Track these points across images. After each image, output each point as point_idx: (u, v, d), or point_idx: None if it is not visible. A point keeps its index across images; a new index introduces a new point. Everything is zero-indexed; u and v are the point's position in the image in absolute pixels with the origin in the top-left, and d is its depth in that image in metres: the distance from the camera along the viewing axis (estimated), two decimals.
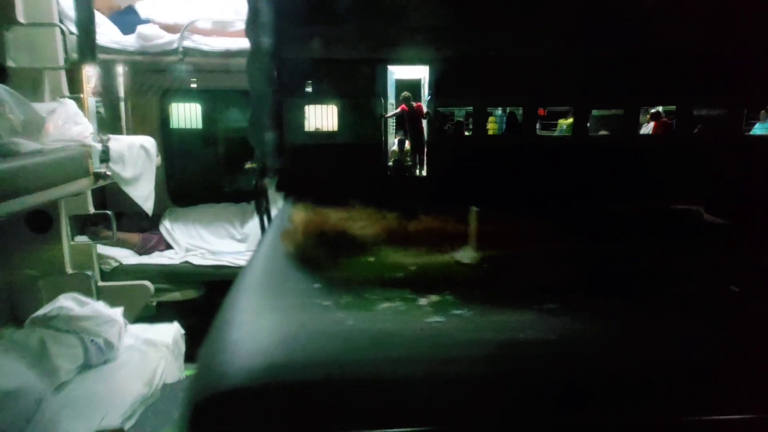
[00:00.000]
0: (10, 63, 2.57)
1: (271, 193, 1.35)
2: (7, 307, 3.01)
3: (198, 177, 4.56)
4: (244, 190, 4.35)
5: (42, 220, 3.00)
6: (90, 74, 3.43)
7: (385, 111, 0.87)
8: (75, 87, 2.78)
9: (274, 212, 1.36)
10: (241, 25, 3.53)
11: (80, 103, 2.52)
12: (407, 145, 1.02)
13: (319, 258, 0.74)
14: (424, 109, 0.87)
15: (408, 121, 1.03)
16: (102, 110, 3.55)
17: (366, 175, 0.82)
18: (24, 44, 2.67)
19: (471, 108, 0.83)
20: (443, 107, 0.75)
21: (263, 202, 1.35)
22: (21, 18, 2.61)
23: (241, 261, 3.82)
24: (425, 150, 0.93)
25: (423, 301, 0.63)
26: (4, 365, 1.88)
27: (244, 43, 3.35)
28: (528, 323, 0.59)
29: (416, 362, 0.53)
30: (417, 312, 0.61)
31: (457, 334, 0.57)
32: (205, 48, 3.64)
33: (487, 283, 0.66)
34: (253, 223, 4.12)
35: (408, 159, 0.99)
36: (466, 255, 0.73)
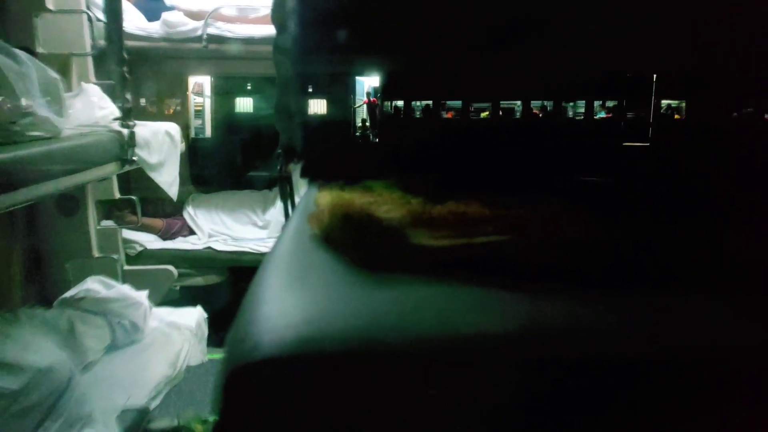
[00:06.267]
0: (39, 49, 2.62)
1: (295, 178, 1.37)
2: (37, 288, 3.09)
3: (222, 163, 4.61)
4: (267, 176, 4.40)
5: (69, 205, 3.07)
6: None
7: (355, 103, 1.39)
8: (103, 73, 2.82)
9: (297, 198, 1.38)
10: (265, 11, 3.56)
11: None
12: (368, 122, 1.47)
13: (345, 240, 0.75)
14: (377, 102, 1.39)
15: (368, 109, 1.43)
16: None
17: (342, 140, 1.36)
18: (53, 31, 2.72)
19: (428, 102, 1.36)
20: (388, 101, 1.20)
21: (287, 187, 1.37)
22: (50, 5, 2.67)
23: (262, 248, 3.86)
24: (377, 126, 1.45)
25: (449, 281, 0.63)
26: (36, 344, 1.94)
27: (268, 30, 3.38)
28: (555, 307, 0.59)
29: (440, 339, 0.54)
30: (443, 291, 0.62)
31: (484, 315, 0.58)
32: (229, 35, 3.66)
33: (515, 265, 0.66)
34: (275, 210, 4.16)
35: (367, 132, 1.41)
36: (486, 237, 0.73)
